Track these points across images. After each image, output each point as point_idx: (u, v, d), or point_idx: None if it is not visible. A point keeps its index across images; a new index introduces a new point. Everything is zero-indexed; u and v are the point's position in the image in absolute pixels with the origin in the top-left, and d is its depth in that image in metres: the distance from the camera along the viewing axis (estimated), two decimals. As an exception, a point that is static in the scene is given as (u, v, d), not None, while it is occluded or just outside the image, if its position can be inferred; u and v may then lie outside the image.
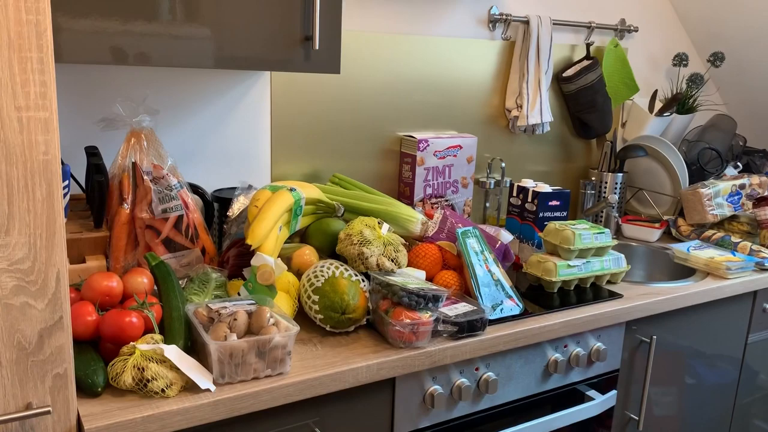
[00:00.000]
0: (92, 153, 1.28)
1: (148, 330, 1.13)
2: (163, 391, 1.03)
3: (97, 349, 1.11)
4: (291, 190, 1.43)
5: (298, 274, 1.42)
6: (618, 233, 2.23)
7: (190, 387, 1.07)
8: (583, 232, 1.62)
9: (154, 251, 1.33)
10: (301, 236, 1.55)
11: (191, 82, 1.61)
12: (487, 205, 2.17)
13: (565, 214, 1.80)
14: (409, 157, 1.92)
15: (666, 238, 2.20)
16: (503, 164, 2.07)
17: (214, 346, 1.06)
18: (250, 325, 1.13)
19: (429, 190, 1.94)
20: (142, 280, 1.20)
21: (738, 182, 2.15)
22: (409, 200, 1.94)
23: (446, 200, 1.99)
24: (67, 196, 1.24)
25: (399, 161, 1.98)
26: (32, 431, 0.93)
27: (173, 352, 1.06)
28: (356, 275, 1.33)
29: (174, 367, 1.05)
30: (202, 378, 1.06)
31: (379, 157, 1.95)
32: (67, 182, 1.23)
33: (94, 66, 1.47)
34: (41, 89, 0.84)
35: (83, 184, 1.46)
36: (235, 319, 1.11)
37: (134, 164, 1.32)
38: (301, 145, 1.80)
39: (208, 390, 1.06)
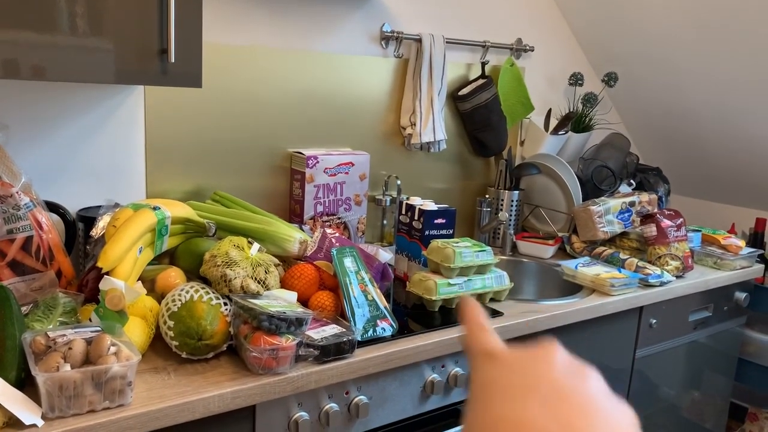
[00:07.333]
0: None
1: (-24, 362, 1.05)
2: (-20, 429, 0.95)
3: None
4: (155, 208, 1.37)
5: (163, 298, 1.35)
6: (514, 250, 2.24)
7: (16, 422, 0.99)
8: (464, 250, 1.61)
9: (-2, 275, 1.25)
10: (170, 257, 1.49)
11: (50, 96, 1.52)
12: (385, 222, 2.15)
13: (451, 232, 1.79)
14: (299, 174, 1.88)
15: (561, 255, 2.22)
16: (399, 182, 2.06)
17: (40, 378, 0.99)
18: (88, 354, 1.06)
19: (320, 208, 1.91)
20: (-26, 307, 1.11)
21: (628, 200, 2.20)
22: (299, 218, 1.90)
23: (338, 218, 1.95)
24: None
25: (290, 178, 1.93)
26: None
27: (-6, 386, 0.98)
28: (218, 299, 1.28)
29: (-4, 402, 0.97)
30: (26, 413, 0.98)
31: (270, 174, 1.90)
32: None
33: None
34: None
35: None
36: (70, 348, 1.04)
37: (-24, 182, 1.24)
38: (182, 162, 1.73)
39: (34, 425, 0.98)
